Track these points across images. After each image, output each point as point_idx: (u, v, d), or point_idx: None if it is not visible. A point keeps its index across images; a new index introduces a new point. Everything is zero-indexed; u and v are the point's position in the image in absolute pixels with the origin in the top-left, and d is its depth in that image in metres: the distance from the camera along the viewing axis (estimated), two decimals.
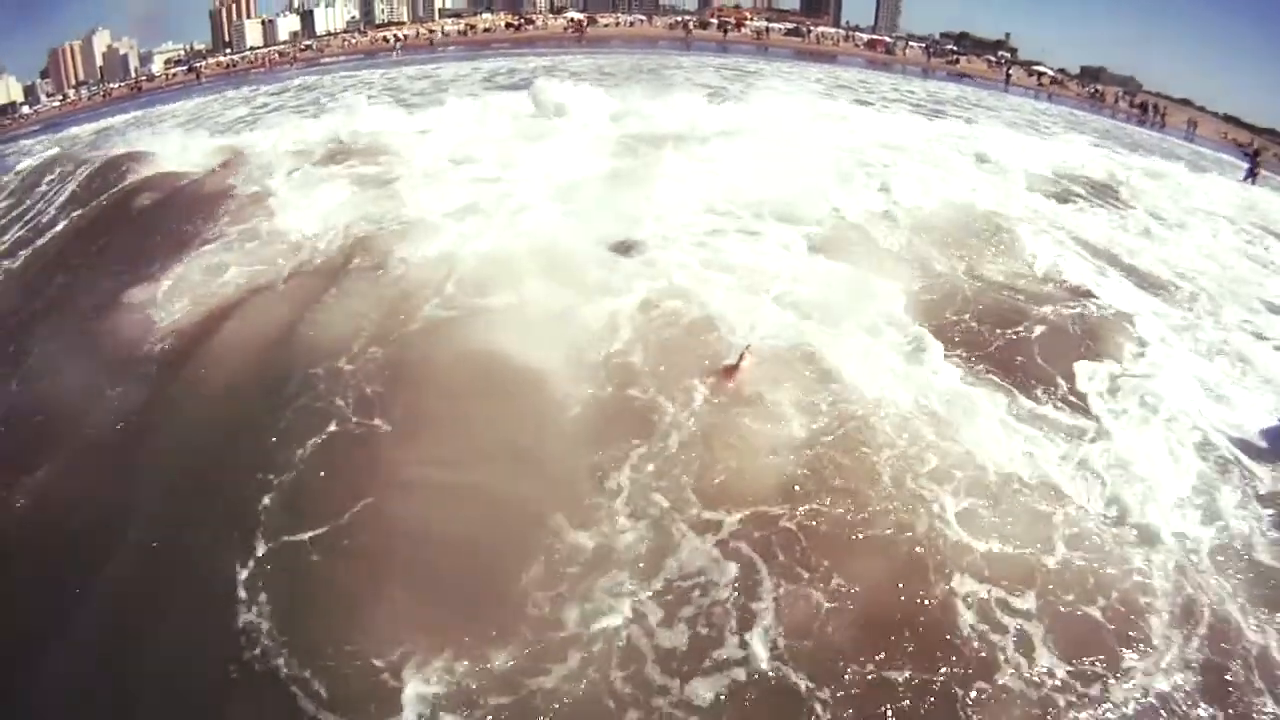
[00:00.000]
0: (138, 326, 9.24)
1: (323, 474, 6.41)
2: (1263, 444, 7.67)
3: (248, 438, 6.91)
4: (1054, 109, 37.64)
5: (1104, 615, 5.57)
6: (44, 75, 46.74)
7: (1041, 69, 47.66)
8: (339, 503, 6.07)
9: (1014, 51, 50.19)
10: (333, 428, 6.86)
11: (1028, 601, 5.58)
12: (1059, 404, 7.90)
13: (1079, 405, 7.92)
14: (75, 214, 14.20)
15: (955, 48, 51.09)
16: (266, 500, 6.13)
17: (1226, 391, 8.53)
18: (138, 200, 13.88)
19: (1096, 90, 45.44)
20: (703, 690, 4.97)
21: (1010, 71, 46.87)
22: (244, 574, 5.58)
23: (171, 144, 17.29)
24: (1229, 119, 37.74)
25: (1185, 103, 40.10)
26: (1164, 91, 41.16)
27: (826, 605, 5.47)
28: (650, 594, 5.52)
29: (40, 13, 44.01)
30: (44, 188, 16.29)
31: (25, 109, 44.70)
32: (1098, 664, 5.25)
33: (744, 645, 5.21)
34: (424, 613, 5.38)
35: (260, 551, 5.74)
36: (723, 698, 4.95)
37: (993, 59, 49.76)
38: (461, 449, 6.70)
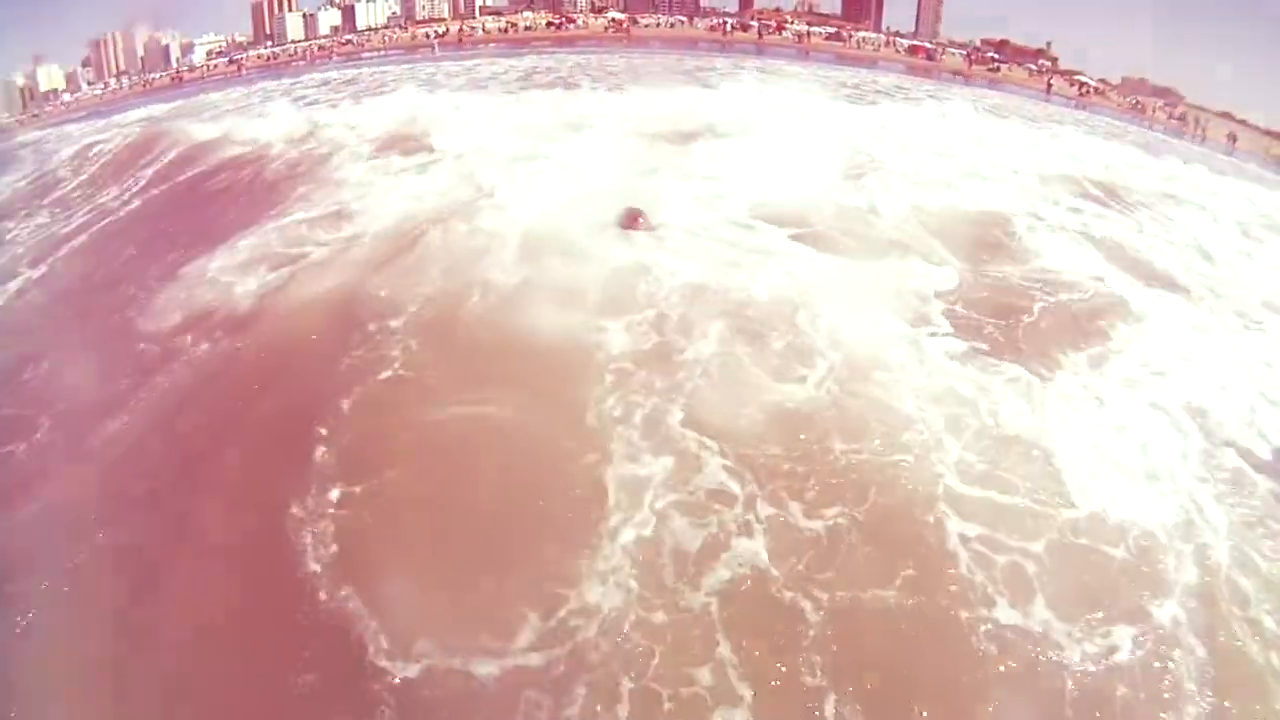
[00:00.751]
0: (215, 293, 10.23)
1: (376, 424, 7.26)
2: (1261, 425, 8.25)
3: (308, 389, 7.78)
4: (1093, 119, 37.42)
5: (1092, 566, 6.24)
6: (85, 64, 47.24)
7: (1082, 78, 47.19)
8: (389, 451, 6.89)
9: (1055, 60, 49.70)
10: (387, 374, 7.82)
11: (1018, 543, 6.24)
12: (1059, 383, 8.49)
13: (1082, 386, 8.50)
14: (154, 193, 15.44)
15: (996, 55, 50.72)
16: (322, 450, 6.93)
17: (1227, 378, 9.04)
18: (214, 181, 15.18)
19: (1137, 101, 44.92)
20: (706, 593, 5.73)
21: (1051, 80, 46.56)
22: (302, 516, 6.30)
23: (242, 129, 18.44)
24: (1271, 134, 37.03)
25: (1227, 115, 39.44)
26: (1206, 104, 40.52)
27: (817, 527, 6.23)
28: (672, 509, 6.33)
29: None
30: (127, 170, 17.44)
31: (66, 96, 45.33)
32: (1079, 605, 5.90)
33: (744, 560, 5.96)
34: (466, 557, 6.09)
35: (319, 499, 6.46)
36: (724, 601, 5.69)
37: (1033, 67, 49.33)
38: (501, 395, 7.57)
